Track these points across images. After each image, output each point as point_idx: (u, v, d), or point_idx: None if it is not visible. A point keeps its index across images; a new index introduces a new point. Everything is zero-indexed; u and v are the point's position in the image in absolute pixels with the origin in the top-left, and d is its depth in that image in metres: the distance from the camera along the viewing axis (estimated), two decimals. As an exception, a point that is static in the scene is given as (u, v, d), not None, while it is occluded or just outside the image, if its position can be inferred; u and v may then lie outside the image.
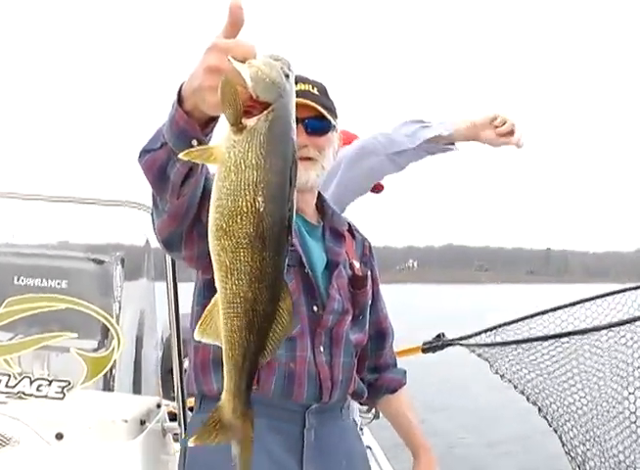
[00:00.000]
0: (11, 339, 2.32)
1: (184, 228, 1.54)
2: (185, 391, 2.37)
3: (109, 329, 2.34)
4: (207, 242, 1.60)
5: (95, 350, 2.36)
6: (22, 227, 2.60)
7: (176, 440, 2.41)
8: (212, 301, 1.20)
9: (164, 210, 1.49)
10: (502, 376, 2.83)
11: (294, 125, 1.16)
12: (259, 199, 1.11)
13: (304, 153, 1.85)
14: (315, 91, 1.87)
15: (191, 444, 1.28)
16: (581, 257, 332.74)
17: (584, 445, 2.59)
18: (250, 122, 1.11)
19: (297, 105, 1.22)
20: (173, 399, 2.46)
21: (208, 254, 1.66)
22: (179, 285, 2.43)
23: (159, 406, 2.42)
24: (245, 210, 1.11)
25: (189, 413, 2.38)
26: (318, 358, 1.84)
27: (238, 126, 1.11)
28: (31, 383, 2.22)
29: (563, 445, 2.68)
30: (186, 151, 1.15)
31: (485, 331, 2.98)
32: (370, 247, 2.12)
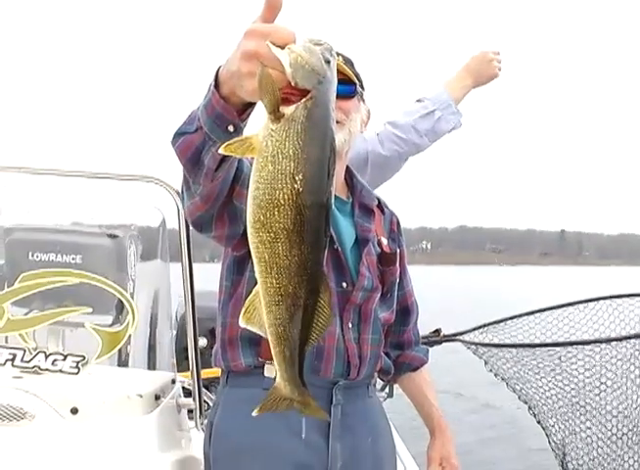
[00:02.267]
0: (26, 314, 2.32)
1: (215, 210, 1.53)
2: (200, 367, 2.36)
3: (123, 304, 2.33)
4: (238, 223, 1.59)
5: (110, 325, 2.36)
6: (36, 203, 2.59)
7: (191, 418, 2.40)
8: (253, 291, 1.17)
9: (197, 192, 1.48)
10: (496, 374, 2.93)
11: (333, 113, 1.11)
12: (297, 190, 1.06)
13: None
14: (340, 59, 1.85)
15: (255, 413, 1.29)
16: (595, 238, 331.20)
17: (565, 440, 2.79)
18: (288, 111, 1.07)
19: None
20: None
21: (239, 234, 1.64)
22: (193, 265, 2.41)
23: (173, 382, 2.42)
24: (282, 202, 1.07)
25: (203, 390, 2.38)
26: (347, 335, 1.84)
27: (276, 115, 1.07)
28: (46, 358, 2.22)
29: (549, 441, 2.88)
30: (225, 144, 1.10)
31: (483, 326, 3.07)
32: (398, 222, 2.10)
